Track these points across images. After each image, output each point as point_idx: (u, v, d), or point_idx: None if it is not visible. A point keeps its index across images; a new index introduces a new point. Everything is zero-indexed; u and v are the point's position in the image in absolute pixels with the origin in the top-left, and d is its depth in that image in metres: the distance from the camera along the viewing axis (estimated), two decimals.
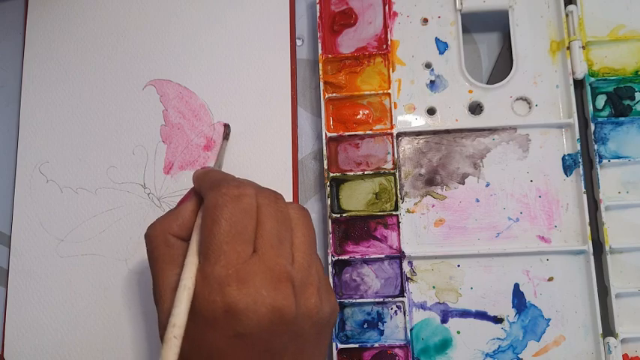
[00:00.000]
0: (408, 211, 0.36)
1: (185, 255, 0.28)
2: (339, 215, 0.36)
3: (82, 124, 0.39)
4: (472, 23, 0.39)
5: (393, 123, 0.37)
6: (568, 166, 0.36)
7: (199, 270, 0.26)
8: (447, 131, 0.37)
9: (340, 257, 0.36)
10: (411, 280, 0.36)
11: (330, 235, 0.36)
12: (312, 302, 0.27)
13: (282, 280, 0.26)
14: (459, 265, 0.36)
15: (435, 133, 0.37)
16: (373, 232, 0.36)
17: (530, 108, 0.37)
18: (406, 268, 0.36)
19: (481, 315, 0.35)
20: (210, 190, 0.28)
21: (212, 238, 0.26)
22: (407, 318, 0.35)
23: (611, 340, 0.34)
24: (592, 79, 0.36)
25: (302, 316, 0.27)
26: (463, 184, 0.37)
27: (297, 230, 0.28)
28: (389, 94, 0.37)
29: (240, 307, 0.25)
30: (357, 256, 0.36)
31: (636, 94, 0.37)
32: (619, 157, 0.36)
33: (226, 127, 0.38)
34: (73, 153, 0.39)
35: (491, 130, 0.37)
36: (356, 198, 0.37)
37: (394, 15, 0.38)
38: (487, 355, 0.35)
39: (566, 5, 0.37)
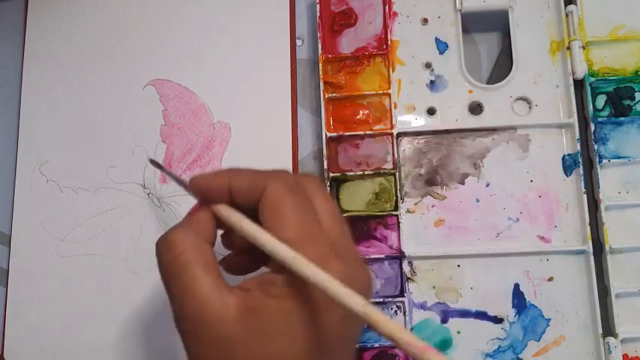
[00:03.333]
0: (408, 211, 0.36)
1: (216, 260, 0.26)
2: None
3: (82, 124, 0.39)
4: (472, 23, 0.39)
5: (393, 123, 0.37)
6: (568, 166, 0.36)
7: None
8: (447, 131, 0.37)
9: None
10: (411, 280, 0.36)
11: None
12: (370, 280, 0.27)
13: (360, 259, 0.26)
14: (459, 265, 0.36)
15: (435, 133, 0.37)
16: (373, 232, 0.36)
17: (530, 108, 0.37)
18: (406, 268, 0.36)
19: (481, 315, 0.35)
20: (265, 179, 0.26)
21: (295, 221, 0.24)
22: (407, 318, 0.35)
23: (611, 340, 0.34)
24: (592, 79, 0.36)
25: (371, 294, 0.27)
26: (463, 184, 0.37)
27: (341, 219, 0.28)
28: (389, 94, 0.37)
29: (348, 282, 0.23)
30: None
31: (636, 94, 0.37)
32: (619, 157, 0.36)
33: (152, 162, 0.35)
34: (73, 153, 0.39)
35: (491, 130, 0.37)
36: (356, 198, 0.37)
37: (394, 15, 0.38)
38: (487, 355, 0.35)
39: (566, 5, 0.37)
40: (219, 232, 0.28)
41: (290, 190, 0.25)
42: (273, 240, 0.24)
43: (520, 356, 0.35)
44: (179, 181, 0.30)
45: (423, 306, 0.35)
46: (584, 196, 0.35)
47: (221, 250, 0.28)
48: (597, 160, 0.36)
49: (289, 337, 0.24)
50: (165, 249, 0.25)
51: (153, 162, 0.35)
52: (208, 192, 0.27)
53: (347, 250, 0.26)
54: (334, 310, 0.24)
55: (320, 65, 0.38)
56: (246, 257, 0.28)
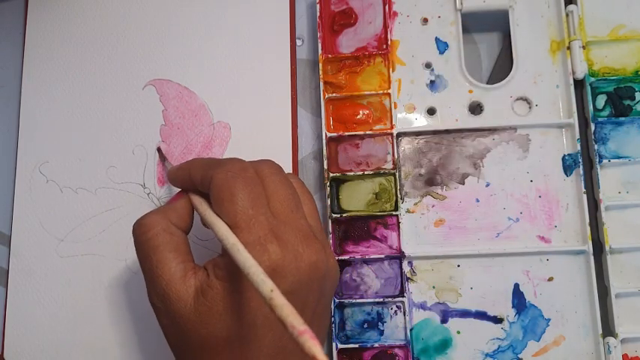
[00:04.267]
0: (408, 211, 0.36)
1: (186, 244, 0.28)
2: (339, 215, 0.36)
3: (82, 124, 0.39)
4: (472, 23, 0.39)
5: (393, 123, 0.37)
6: (568, 166, 0.36)
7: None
8: (447, 131, 0.37)
9: (340, 257, 0.36)
10: (411, 280, 0.36)
11: (330, 236, 0.36)
12: (332, 262, 0.29)
13: (311, 238, 0.27)
14: (459, 265, 0.36)
15: (435, 133, 0.37)
16: (373, 232, 0.36)
17: (530, 108, 0.37)
18: (406, 268, 0.36)
19: (481, 315, 0.35)
20: (213, 169, 0.28)
21: (237, 207, 0.26)
22: (407, 318, 0.35)
23: (611, 340, 0.34)
24: (592, 79, 0.36)
25: (328, 274, 0.28)
26: (463, 184, 0.37)
27: (303, 198, 0.29)
28: (389, 94, 0.37)
29: (285, 263, 0.25)
30: (357, 257, 0.36)
31: (636, 94, 0.36)
32: (619, 157, 0.36)
33: (159, 150, 0.38)
34: (73, 153, 0.39)
35: (491, 130, 0.37)
36: (356, 198, 0.37)
37: (394, 15, 0.38)
38: (487, 355, 0.35)
39: (566, 5, 0.37)
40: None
41: (233, 178, 0.27)
42: (223, 228, 0.26)
43: (520, 356, 0.35)
44: None
45: (422, 306, 0.35)
46: (584, 196, 0.35)
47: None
48: (597, 160, 0.36)
49: (227, 317, 0.26)
50: (139, 232, 0.28)
51: (159, 151, 0.38)
52: (178, 183, 0.30)
53: (296, 231, 0.27)
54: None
55: (320, 65, 0.38)
56: None
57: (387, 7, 0.38)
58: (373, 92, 0.37)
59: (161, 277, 0.27)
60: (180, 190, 0.31)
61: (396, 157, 0.37)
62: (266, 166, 0.29)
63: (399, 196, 0.36)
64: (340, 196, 0.37)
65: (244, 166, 0.28)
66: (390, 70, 0.38)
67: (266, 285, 0.23)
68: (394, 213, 0.36)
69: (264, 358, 0.26)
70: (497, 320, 0.35)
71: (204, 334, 0.26)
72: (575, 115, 0.36)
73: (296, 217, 0.28)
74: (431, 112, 0.37)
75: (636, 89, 0.36)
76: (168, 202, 0.30)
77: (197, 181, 0.29)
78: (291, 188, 0.29)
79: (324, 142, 0.37)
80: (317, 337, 0.21)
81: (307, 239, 0.27)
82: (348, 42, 0.38)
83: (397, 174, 0.37)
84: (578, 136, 0.36)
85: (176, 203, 0.30)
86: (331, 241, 0.36)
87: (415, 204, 0.36)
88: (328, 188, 0.36)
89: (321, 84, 0.38)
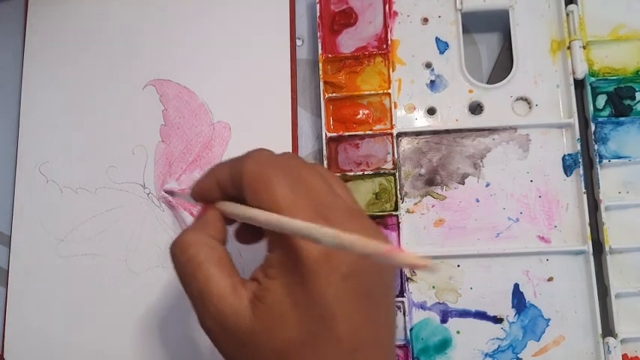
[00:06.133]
0: (407, 211, 0.36)
1: (228, 256, 0.26)
2: None
3: (82, 124, 0.39)
4: (472, 23, 0.39)
5: (393, 123, 0.37)
6: (568, 166, 0.36)
7: None
8: (447, 131, 0.37)
9: None
10: (411, 280, 0.36)
11: None
12: (376, 236, 0.26)
13: (358, 215, 0.25)
14: (458, 265, 0.36)
15: (435, 133, 0.37)
16: None
17: (530, 108, 0.37)
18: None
19: (481, 315, 0.35)
20: (240, 163, 0.26)
21: (276, 194, 0.24)
22: (407, 318, 0.35)
23: (610, 340, 0.34)
24: (592, 78, 0.36)
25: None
26: (463, 184, 0.37)
27: (334, 182, 0.28)
28: (389, 94, 0.37)
29: None
30: None
31: (637, 93, 0.36)
32: (619, 157, 0.36)
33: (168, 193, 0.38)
34: (73, 153, 0.39)
35: (492, 130, 0.37)
36: (356, 198, 0.37)
37: (394, 14, 0.38)
38: (487, 355, 0.35)
39: (566, 5, 0.37)
40: (231, 228, 0.29)
41: (264, 165, 0.25)
42: (265, 214, 0.24)
43: (520, 356, 0.35)
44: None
45: (422, 306, 0.35)
46: (584, 196, 0.35)
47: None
48: (597, 160, 0.36)
49: (293, 315, 0.24)
50: (179, 250, 0.26)
51: (167, 192, 0.37)
52: (204, 194, 0.28)
53: (339, 210, 0.25)
54: (332, 272, 0.23)
55: (320, 65, 0.38)
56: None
57: (387, 6, 0.38)
58: (373, 92, 0.37)
59: (211, 295, 0.25)
60: (202, 205, 0.29)
61: (396, 157, 0.37)
62: (290, 155, 0.28)
63: (399, 196, 0.36)
64: None
65: (272, 154, 0.26)
66: (390, 70, 0.38)
67: (328, 234, 0.21)
68: (394, 213, 0.36)
69: (343, 354, 0.24)
70: (497, 320, 0.35)
71: (273, 343, 0.24)
72: (576, 115, 0.36)
73: (335, 198, 0.26)
74: (431, 112, 0.37)
75: (636, 89, 0.36)
76: (196, 218, 0.28)
77: (225, 181, 0.27)
78: (320, 173, 0.27)
79: (324, 142, 0.37)
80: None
81: (354, 217, 0.25)
82: (348, 42, 0.38)
83: (397, 174, 0.37)
84: (578, 136, 0.36)
85: (206, 216, 0.27)
86: None
87: (415, 204, 0.36)
88: None
89: (321, 84, 0.38)
